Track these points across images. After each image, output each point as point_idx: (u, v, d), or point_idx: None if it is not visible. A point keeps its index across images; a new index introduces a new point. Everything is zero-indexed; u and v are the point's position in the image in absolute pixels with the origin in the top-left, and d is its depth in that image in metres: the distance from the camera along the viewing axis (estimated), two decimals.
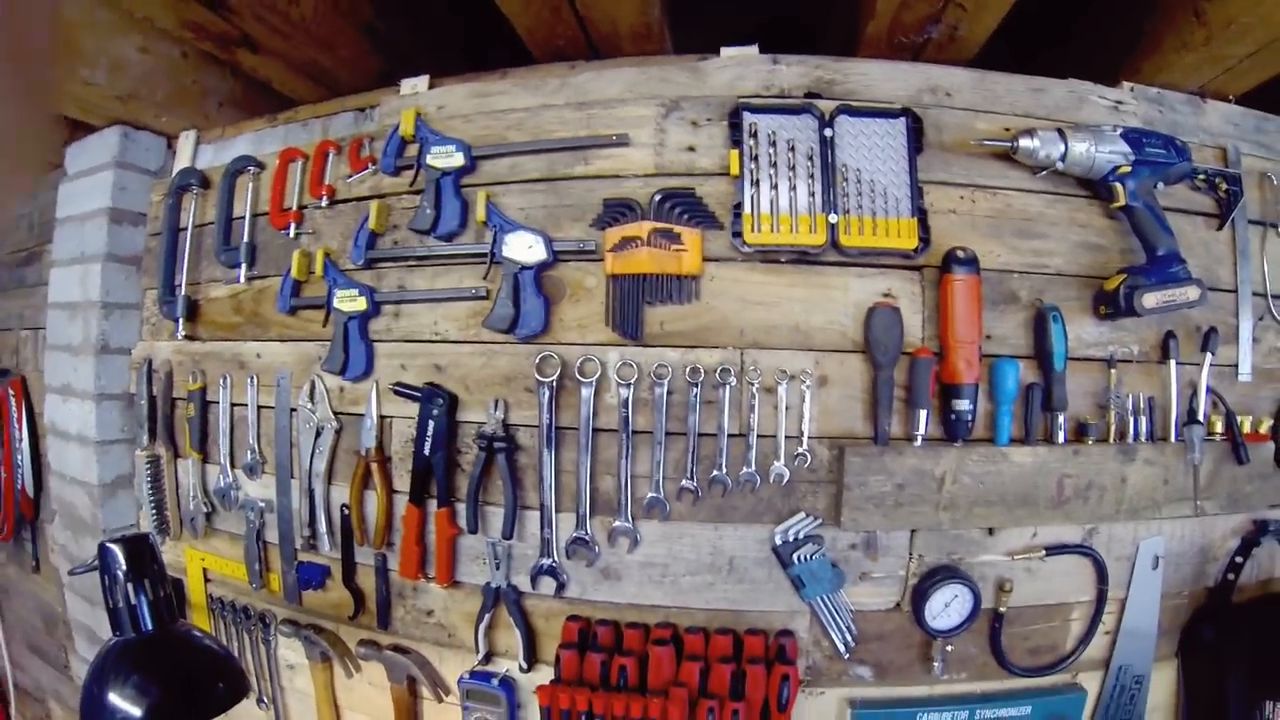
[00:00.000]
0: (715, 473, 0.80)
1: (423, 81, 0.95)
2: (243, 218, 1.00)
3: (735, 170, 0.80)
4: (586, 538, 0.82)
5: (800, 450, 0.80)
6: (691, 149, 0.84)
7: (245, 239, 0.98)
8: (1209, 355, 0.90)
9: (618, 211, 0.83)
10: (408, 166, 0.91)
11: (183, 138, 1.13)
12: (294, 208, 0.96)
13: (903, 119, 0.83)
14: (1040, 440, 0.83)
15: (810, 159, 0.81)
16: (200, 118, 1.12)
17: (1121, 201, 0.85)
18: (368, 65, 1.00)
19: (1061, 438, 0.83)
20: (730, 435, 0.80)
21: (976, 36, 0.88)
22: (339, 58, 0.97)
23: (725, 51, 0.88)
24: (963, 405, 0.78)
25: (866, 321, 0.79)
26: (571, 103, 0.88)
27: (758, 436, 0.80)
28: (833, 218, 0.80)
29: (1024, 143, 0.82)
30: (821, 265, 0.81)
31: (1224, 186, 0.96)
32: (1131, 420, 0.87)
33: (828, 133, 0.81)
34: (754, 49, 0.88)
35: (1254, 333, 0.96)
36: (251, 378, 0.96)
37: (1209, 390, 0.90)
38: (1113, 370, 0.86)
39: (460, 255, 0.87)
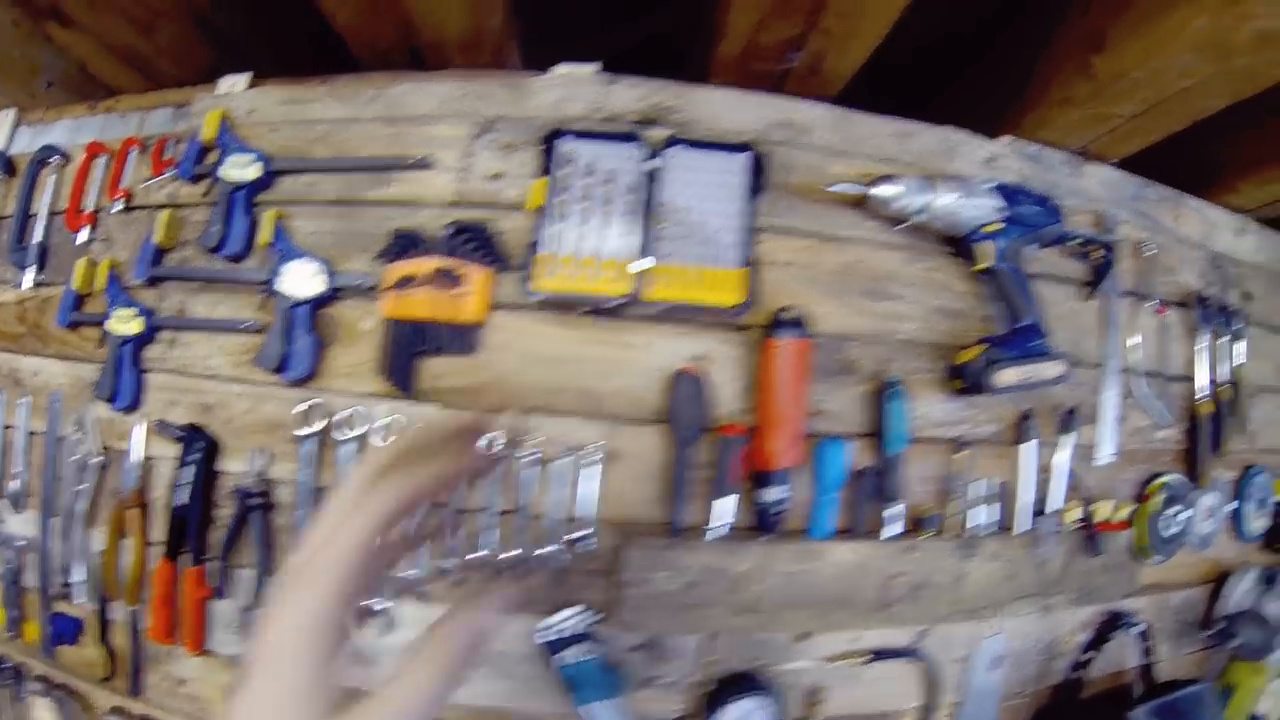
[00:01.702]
0: (483, 553, 0.70)
1: (242, 80, 0.86)
2: (37, 215, 0.91)
3: (536, 202, 0.71)
4: None
5: (581, 534, 0.69)
6: (498, 176, 0.74)
7: (37, 239, 0.90)
8: (1069, 436, 0.81)
9: (406, 244, 0.74)
10: (208, 174, 0.82)
11: (0, 116, 1.05)
12: (90, 209, 0.88)
13: (744, 155, 0.73)
14: (869, 533, 0.72)
15: (631, 194, 0.72)
16: (26, 96, 1.03)
17: (986, 263, 0.75)
18: (196, 57, 0.91)
19: (893, 531, 0.72)
20: (502, 511, 0.70)
21: (843, 69, 0.78)
22: (159, 45, 0.88)
23: (558, 68, 0.78)
24: (774, 494, 0.67)
25: (668, 390, 0.69)
26: (382, 117, 0.79)
27: (533, 515, 0.69)
28: (641, 264, 0.69)
29: (879, 190, 0.72)
30: (624, 320, 0.71)
31: (1097, 253, 0.87)
32: (978, 509, 0.77)
33: (653, 164, 0.71)
34: (591, 68, 0.78)
35: (1120, 411, 0.87)
36: (25, 397, 0.88)
37: (1069, 475, 0.81)
38: (962, 453, 0.76)
39: (244, 281, 0.78)
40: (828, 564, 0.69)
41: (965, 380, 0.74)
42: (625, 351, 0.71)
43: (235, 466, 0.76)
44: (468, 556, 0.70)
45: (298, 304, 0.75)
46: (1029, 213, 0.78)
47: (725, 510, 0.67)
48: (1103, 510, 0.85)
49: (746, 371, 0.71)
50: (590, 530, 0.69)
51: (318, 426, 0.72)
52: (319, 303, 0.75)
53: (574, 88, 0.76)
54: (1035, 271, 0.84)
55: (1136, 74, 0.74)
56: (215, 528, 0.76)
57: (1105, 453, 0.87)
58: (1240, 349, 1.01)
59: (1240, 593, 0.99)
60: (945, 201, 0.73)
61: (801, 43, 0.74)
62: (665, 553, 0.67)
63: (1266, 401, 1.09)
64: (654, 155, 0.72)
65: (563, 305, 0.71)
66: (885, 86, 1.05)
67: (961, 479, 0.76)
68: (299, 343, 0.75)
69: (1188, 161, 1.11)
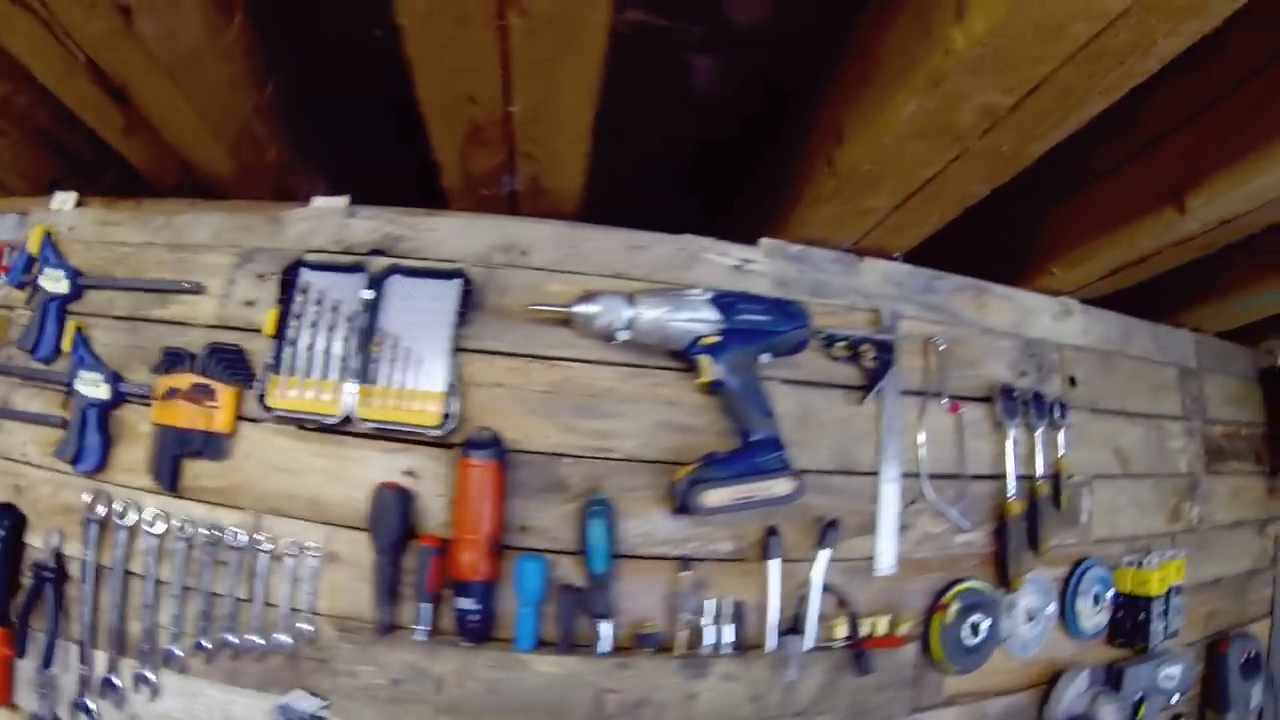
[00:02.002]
0: (227, 635, 0.81)
1: (71, 199, 0.99)
2: None
3: (270, 330, 0.81)
4: (115, 681, 0.85)
5: (306, 626, 0.79)
6: (251, 303, 0.85)
7: None
8: (825, 551, 0.83)
9: (174, 360, 0.85)
10: (31, 283, 0.96)
11: None
12: None
13: (456, 281, 0.81)
14: (580, 648, 0.78)
15: (351, 321, 0.81)
16: None
17: (707, 377, 0.79)
18: (39, 170, 1.04)
19: (603, 648, 0.77)
20: (243, 599, 0.81)
21: (566, 187, 0.85)
22: (2, 161, 1.03)
23: (316, 201, 0.88)
24: (468, 603, 0.75)
25: (372, 500, 0.78)
26: (170, 243, 0.90)
27: (266, 604, 0.80)
28: (354, 387, 0.78)
29: (580, 308, 0.78)
30: (345, 436, 0.81)
31: (871, 354, 0.89)
32: (714, 628, 0.80)
33: (369, 294, 0.80)
34: (342, 200, 0.87)
35: (902, 518, 0.90)
36: None
37: (827, 589, 0.84)
38: (686, 572, 0.80)
39: (54, 381, 0.91)
40: (532, 674, 0.76)
41: (675, 500, 0.78)
42: (345, 464, 0.80)
43: (39, 543, 0.89)
44: (217, 636, 0.82)
45: (90, 405, 0.87)
46: (755, 322, 0.81)
47: (424, 614, 0.76)
48: (879, 625, 0.86)
49: (451, 487, 0.79)
50: (311, 623, 0.79)
51: (100, 513, 0.85)
52: (108, 405, 0.87)
53: (321, 220, 0.86)
54: (795, 378, 0.87)
55: (870, 165, 0.76)
56: (21, 595, 0.90)
57: (885, 564, 0.88)
58: (1061, 438, 1.01)
59: (1072, 696, 0.98)
60: (651, 317, 0.77)
61: (511, 167, 0.81)
62: (370, 649, 0.76)
63: (1102, 488, 1.08)
64: (374, 284, 0.81)
65: (296, 420, 0.81)
66: (697, 190, 1.11)
67: (689, 597, 0.79)
68: (90, 439, 0.87)
69: (999, 250, 1.12)
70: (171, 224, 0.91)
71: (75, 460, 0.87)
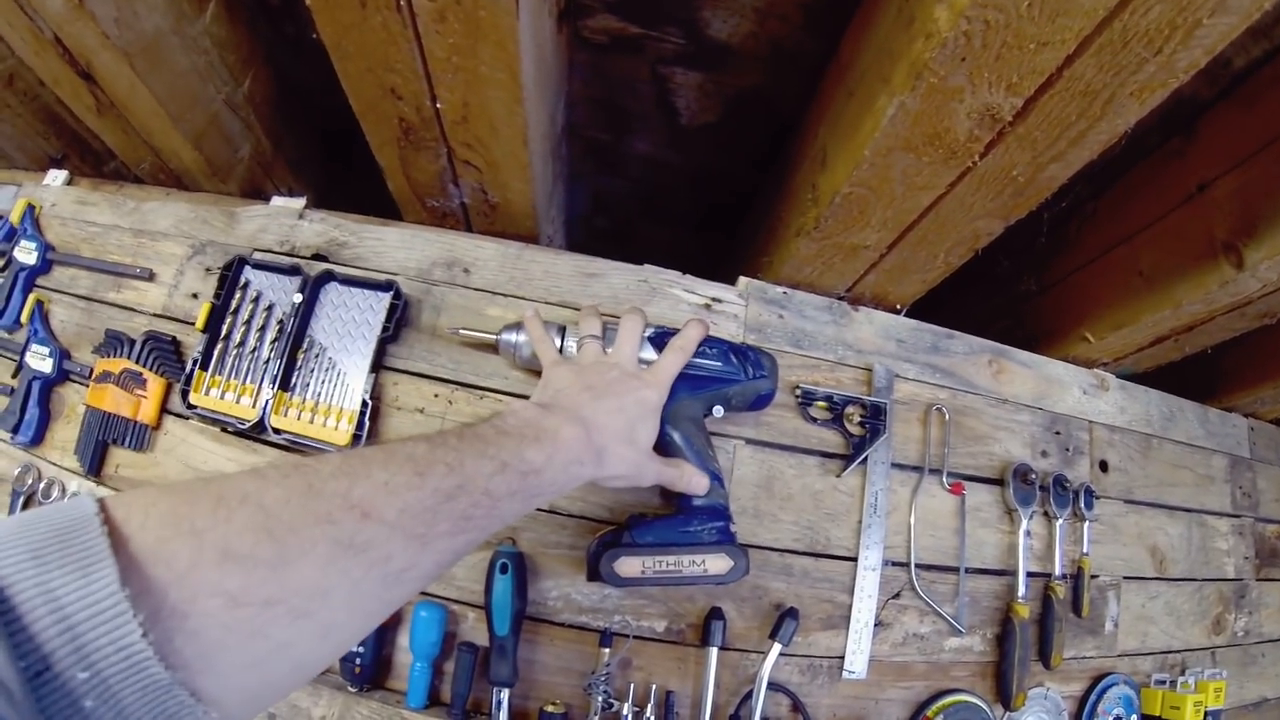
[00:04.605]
0: None
1: (62, 176, 1.10)
2: None
3: (201, 325, 0.85)
4: None
5: None
6: (195, 295, 0.90)
7: None
8: (777, 646, 0.78)
9: (115, 343, 0.92)
10: (7, 252, 1.07)
11: None
12: None
13: (387, 293, 0.83)
14: (476, 715, 0.77)
15: (281, 324, 0.85)
16: None
17: None
18: (40, 147, 1.17)
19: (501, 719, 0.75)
20: None
21: (516, 202, 0.86)
22: (3, 135, 1.15)
23: (275, 201, 0.94)
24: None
25: None
26: (134, 228, 0.98)
27: None
28: (269, 393, 0.82)
29: (505, 337, 0.77)
30: (261, 445, 0.84)
31: (857, 418, 0.85)
32: (634, 716, 0.76)
33: (299, 297, 0.83)
34: (298, 202, 0.92)
35: (881, 614, 0.84)
36: None
37: (777, 688, 0.80)
38: (606, 649, 0.77)
39: (10, 350, 1.01)
40: None
41: (588, 564, 0.74)
42: None
43: None
44: None
45: (35, 378, 0.96)
46: (705, 367, 0.76)
47: None
48: None
49: None
50: None
51: (28, 486, 0.93)
52: (51, 381, 0.95)
53: (273, 219, 0.91)
54: (761, 439, 0.84)
55: (851, 187, 0.68)
56: None
57: (855, 666, 0.82)
58: (1086, 531, 0.95)
59: None
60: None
61: (455, 177, 0.83)
62: None
63: (1133, 592, 1.00)
64: (310, 289, 0.84)
65: (214, 420, 0.85)
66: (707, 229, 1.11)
67: (610, 677, 0.76)
68: (30, 412, 0.96)
69: (1023, 313, 1.05)
70: (139, 209, 0.98)
71: (15, 430, 0.95)
